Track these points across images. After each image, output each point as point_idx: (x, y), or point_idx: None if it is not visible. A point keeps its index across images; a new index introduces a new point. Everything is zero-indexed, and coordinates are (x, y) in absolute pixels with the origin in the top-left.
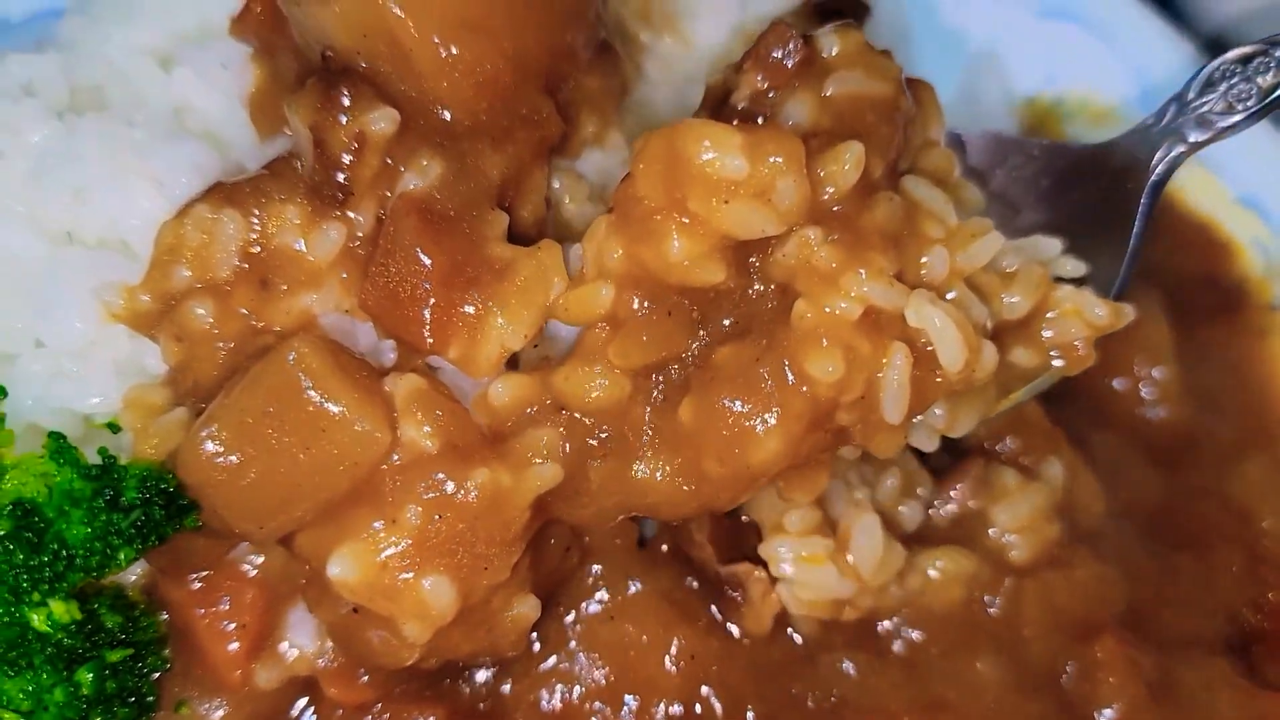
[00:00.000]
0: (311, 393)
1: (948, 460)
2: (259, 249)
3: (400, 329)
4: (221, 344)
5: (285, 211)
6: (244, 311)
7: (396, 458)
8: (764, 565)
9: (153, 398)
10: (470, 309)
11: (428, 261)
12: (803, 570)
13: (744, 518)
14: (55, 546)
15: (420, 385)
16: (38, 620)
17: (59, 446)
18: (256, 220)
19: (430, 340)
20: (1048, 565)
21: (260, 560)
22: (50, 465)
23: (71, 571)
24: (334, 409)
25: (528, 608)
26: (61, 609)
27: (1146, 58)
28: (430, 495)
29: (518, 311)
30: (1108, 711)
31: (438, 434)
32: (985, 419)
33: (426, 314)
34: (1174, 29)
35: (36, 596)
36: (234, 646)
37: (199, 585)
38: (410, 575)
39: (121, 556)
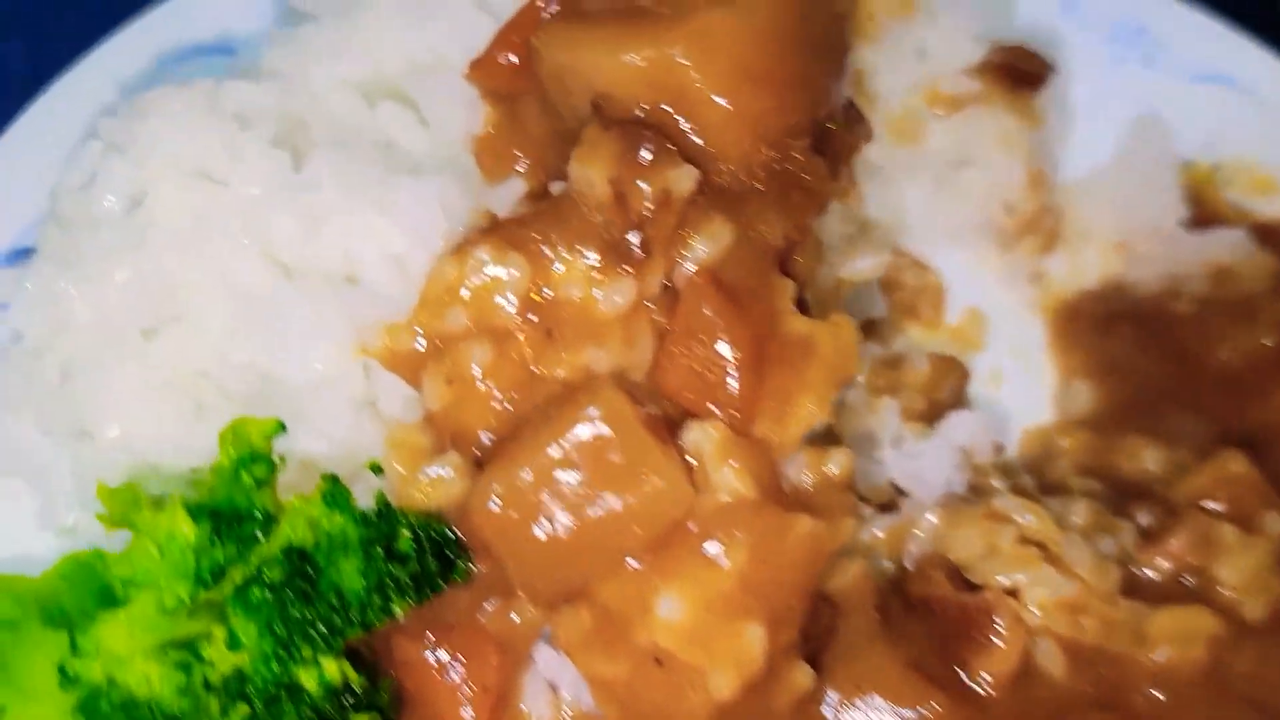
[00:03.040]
0: (620, 446)
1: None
2: (543, 298)
3: (699, 409)
4: (496, 390)
5: (576, 262)
6: (523, 359)
7: (714, 502)
8: None
9: (416, 440)
10: (776, 389)
11: (733, 345)
12: (1026, 571)
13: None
14: (330, 598)
15: (728, 433)
16: (307, 680)
17: (334, 490)
18: (543, 268)
19: (736, 421)
20: None
21: (502, 620)
22: (319, 509)
23: (349, 626)
24: (643, 463)
25: (804, 675)
26: (334, 669)
27: None
28: (754, 540)
29: (822, 391)
30: None
31: (755, 481)
32: None
33: (732, 395)
34: None
35: (308, 652)
36: (469, 713)
37: (438, 645)
38: (730, 620)
39: (397, 610)
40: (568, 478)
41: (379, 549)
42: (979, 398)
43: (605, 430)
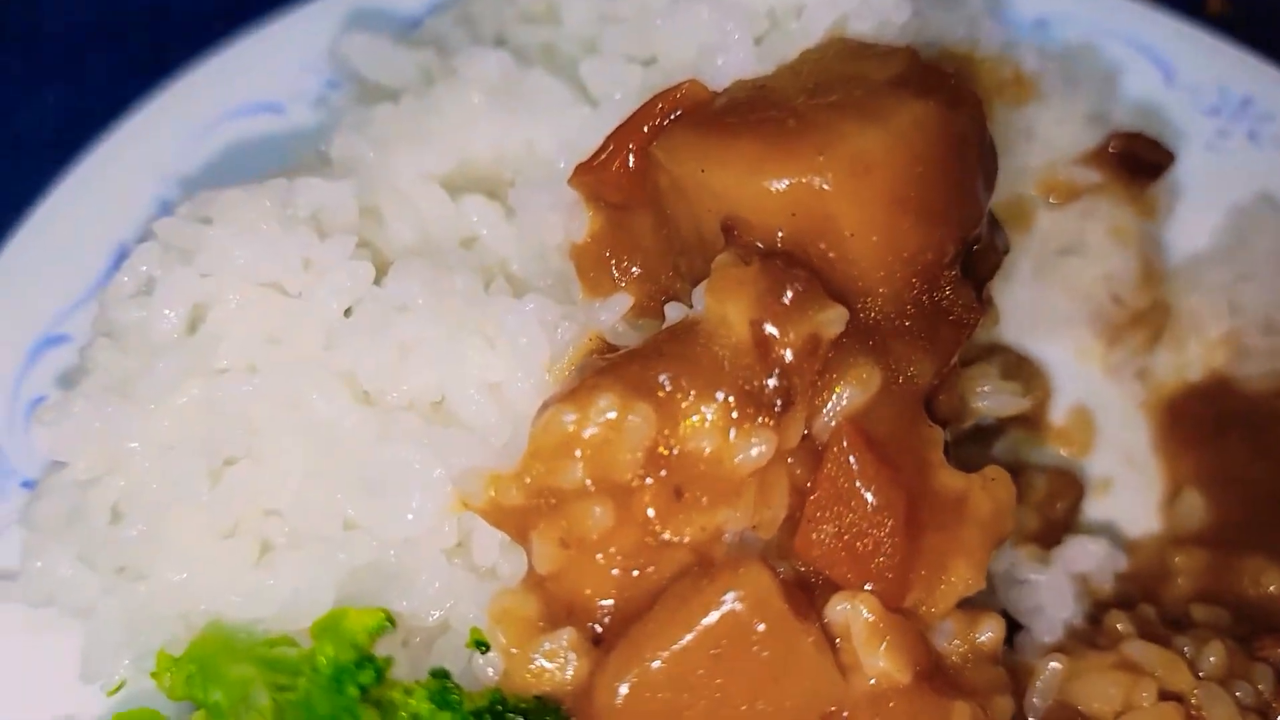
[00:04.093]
0: (768, 636)
1: None
2: (670, 450)
3: (845, 580)
4: (617, 555)
5: (707, 411)
6: (647, 521)
7: (862, 687)
8: None
9: (525, 610)
10: (929, 555)
11: (885, 509)
12: None
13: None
14: None
15: (879, 609)
16: None
17: (443, 688)
18: (672, 417)
19: (886, 594)
20: None
21: None
22: (424, 706)
23: None
24: (792, 656)
25: None
26: None
27: None
28: None
29: (979, 556)
30: None
31: (908, 663)
32: None
33: (882, 564)
34: None
35: None
36: None
37: None
38: None
39: None
40: (705, 669)
41: None
42: (1088, 508)
43: (749, 617)
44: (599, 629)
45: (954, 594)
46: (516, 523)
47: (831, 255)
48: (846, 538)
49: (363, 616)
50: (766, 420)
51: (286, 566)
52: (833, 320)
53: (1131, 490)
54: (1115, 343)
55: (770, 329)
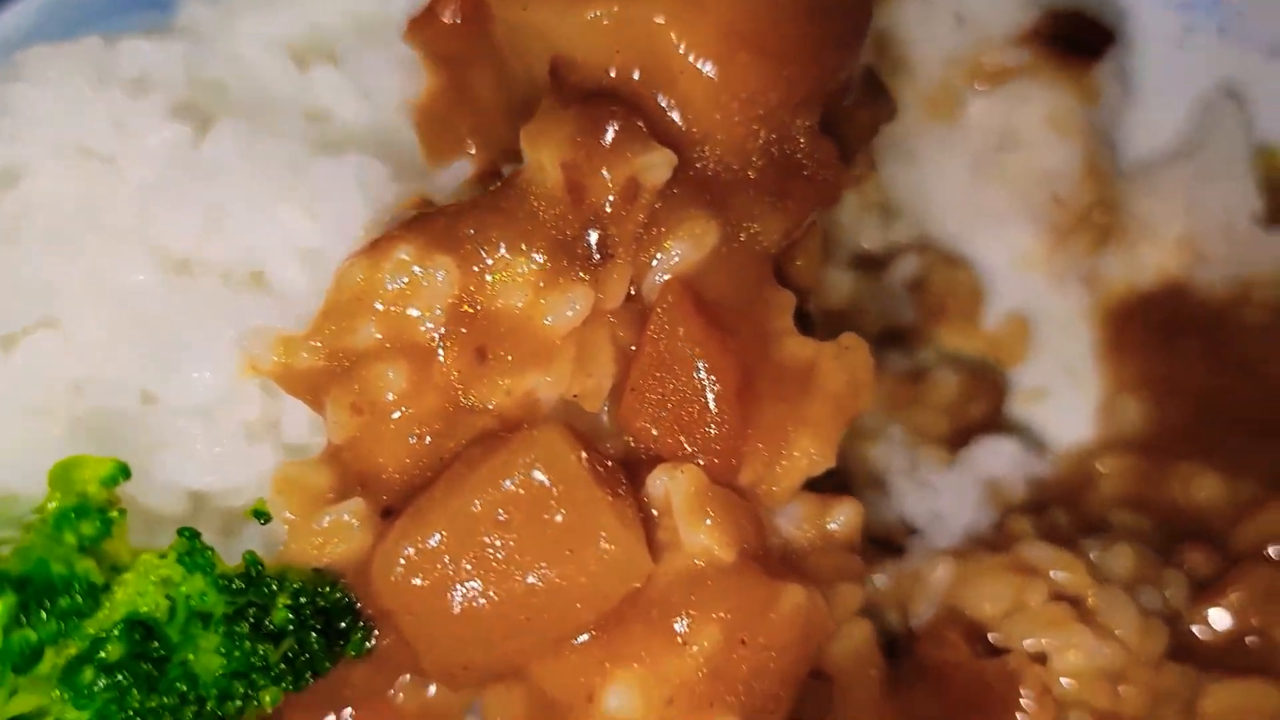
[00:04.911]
0: (562, 503)
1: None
2: (474, 308)
3: (670, 451)
4: (414, 422)
5: (516, 265)
6: (448, 385)
7: (682, 566)
8: None
9: (313, 480)
10: (768, 428)
11: (714, 374)
12: (1057, 633)
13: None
14: (181, 685)
15: (703, 481)
16: None
17: (191, 548)
18: (477, 272)
19: (715, 467)
20: None
21: (417, 697)
22: (175, 570)
23: (201, 718)
24: (590, 525)
25: None
26: None
27: None
28: (729, 616)
29: (826, 430)
30: None
31: (734, 541)
32: None
33: (711, 435)
34: None
35: None
36: None
37: None
38: (695, 715)
39: (266, 699)
40: (494, 540)
41: (245, 623)
42: (1015, 418)
43: (543, 482)
44: (390, 502)
45: (797, 471)
46: (310, 388)
47: (663, 96)
48: (671, 405)
49: (97, 466)
50: (582, 275)
51: (88, 445)
52: (656, 164)
53: (1067, 402)
54: (1059, 246)
55: (586, 174)
